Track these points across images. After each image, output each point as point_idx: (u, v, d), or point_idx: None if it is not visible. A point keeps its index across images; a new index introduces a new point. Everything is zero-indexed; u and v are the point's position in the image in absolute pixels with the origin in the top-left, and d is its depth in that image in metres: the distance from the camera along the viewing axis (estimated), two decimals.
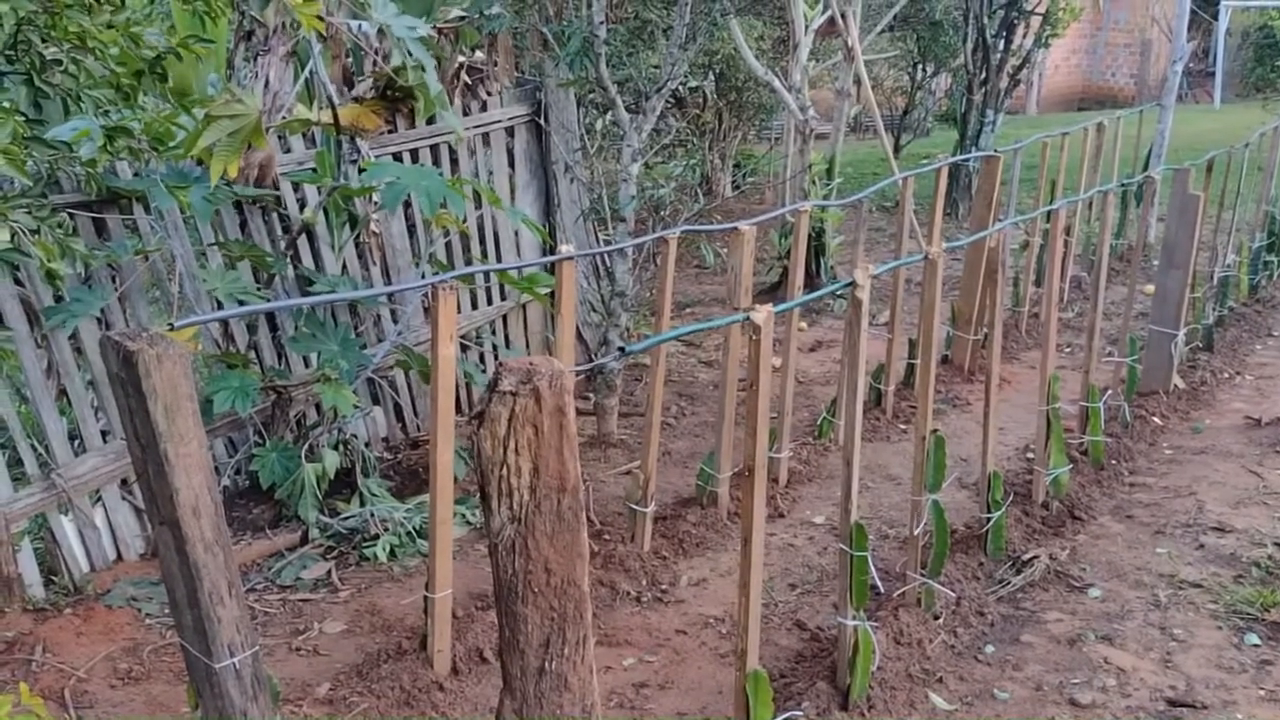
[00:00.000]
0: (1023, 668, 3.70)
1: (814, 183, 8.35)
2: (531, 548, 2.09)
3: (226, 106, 4.16)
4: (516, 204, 6.37)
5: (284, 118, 4.85)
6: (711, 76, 10.57)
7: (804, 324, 7.94)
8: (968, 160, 10.09)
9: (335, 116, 4.32)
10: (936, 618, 3.89)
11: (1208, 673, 3.62)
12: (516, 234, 6.29)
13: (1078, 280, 8.73)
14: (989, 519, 4.31)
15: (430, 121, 5.76)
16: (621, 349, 2.26)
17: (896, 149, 16.33)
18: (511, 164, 6.36)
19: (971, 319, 6.69)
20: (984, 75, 10.88)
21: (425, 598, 3.64)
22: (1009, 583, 4.21)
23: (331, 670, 3.74)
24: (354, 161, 5.26)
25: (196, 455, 2.74)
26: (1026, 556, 4.31)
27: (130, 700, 3.58)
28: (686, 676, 3.71)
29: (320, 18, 4.46)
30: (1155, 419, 5.87)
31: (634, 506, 4.47)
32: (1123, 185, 5.64)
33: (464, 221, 5.57)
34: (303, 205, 5.22)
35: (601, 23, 5.33)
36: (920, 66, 14.59)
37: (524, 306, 6.46)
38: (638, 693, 3.61)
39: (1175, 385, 6.20)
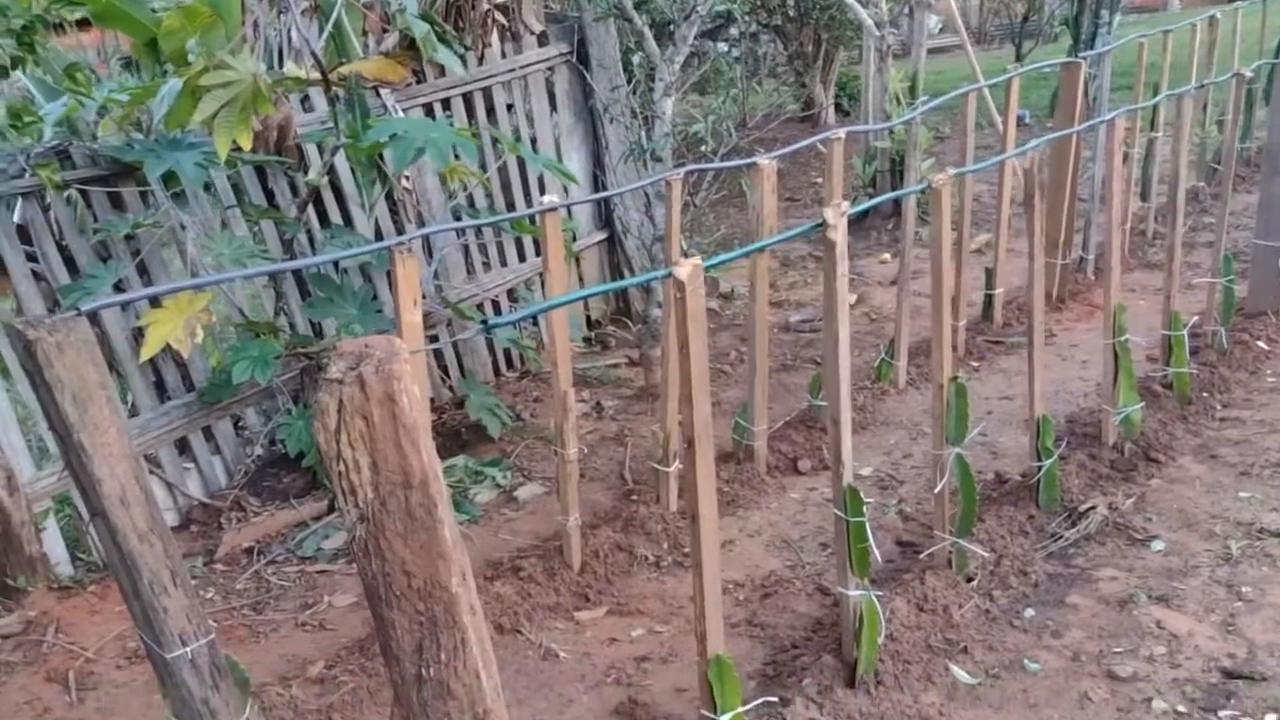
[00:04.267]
0: (1063, 634, 3.35)
1: (896, 103, 7.85)
2: (385, 548, 1.89)
3: (216, 75, 4.02)
4: (562, 149, 6.14)
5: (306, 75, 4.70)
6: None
7: (887, 255, 7.52)
8: (1044, 67, 9.30)
9: (323, 73, 4.14)
10: (969, 580, 3.57)
11: (1274, 638, 3.21)
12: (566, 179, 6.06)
13: (1195, 191, 8.02)
14: (1040, 467, 3.94)
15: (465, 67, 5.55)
16: (484, 322, 2.02)
17: (1018, 57, 15.42)
18: (554, 106, 6.12)
19: (1059, 241, 6.18)
20: None
21: None
22: (1061, 537, 3.84)
23: (335, 646, 3.65)
24: (379, 117, 5.10)
25: (117, 444, 2.63)
26: (1083, 507, 3.92)
27: (133, 681, 3.56)
28: (693, 649, 3.48)
29: None
30: (1260, 343, 5.31)
31: (656, 466, 4.24)
32: (1204, 85, 5.02)
33: (485, 173, 5.38)
34: (331, 166, 5.10)
35: None
36: None
37: (577, 256, 6.25)
38: (638, 667, 3.41)
39: None
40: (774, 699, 2.89)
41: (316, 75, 4.22)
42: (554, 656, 3.48)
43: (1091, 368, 5.37)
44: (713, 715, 2.65)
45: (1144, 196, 7.48)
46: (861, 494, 3.03)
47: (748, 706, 2.73)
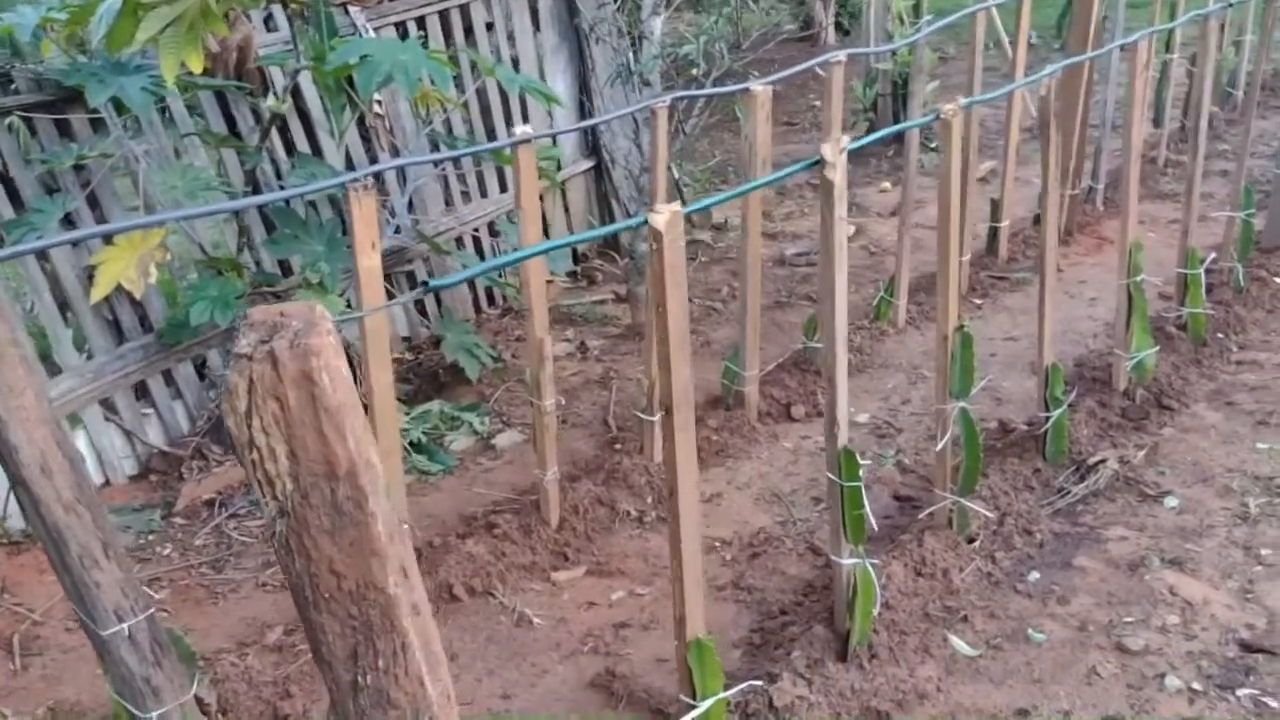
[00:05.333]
0: (1069, 600, 3.15)
1: (900, 22, 7.49)
2: (309, 546, 1.65)
3: None
4: (546, 71, 5.80)
5: None
6: None
7: (888, 184, 7.21)
8: None
9: None
10: (971, 541, 3.35)
11: None
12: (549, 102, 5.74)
13: (1209, 117, 7.67)
14: (1047, 418, 3.70)
15: None
16: (424, 283, 1.76)
17: None
18: (537, 25, 5.77)
19: (1068, 171, 5.89)
20: None
21: None
22: (1068, 493, 3.61)
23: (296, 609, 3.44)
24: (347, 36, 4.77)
25: (34, 408, 2.38)
26: (1092, 460, 3.69)
27: (81, 646, 3.34)
28: None
29: None
30: (1278, 280, 5.05)
31: (640, 415, 4.00)
32: (1233, 4, 4.70)
33: (462, 97, 5.06)
34: (297, 91, 4.78)
35: None
36: None
37: (562, 186, 5.94)
38: (617, 635, 3.20)
39: None
40: (759, 682, 2.68)
41: None
42: (528, 623, 3.27)
43: (1100, 305, 5.11)
44: (691, 700, 2.44)
45: (1156, 123, 7.15)
46: (858, 455, 2.79)
47: (731, 691, 2.52)
